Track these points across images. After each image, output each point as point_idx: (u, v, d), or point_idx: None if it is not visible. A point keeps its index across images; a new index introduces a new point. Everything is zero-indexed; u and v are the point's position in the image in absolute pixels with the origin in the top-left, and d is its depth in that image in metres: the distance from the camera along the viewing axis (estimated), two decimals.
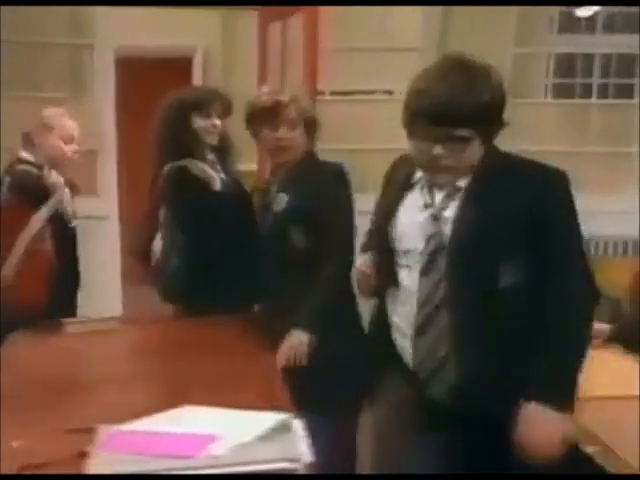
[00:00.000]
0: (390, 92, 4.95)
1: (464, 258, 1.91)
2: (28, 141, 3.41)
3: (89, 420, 1.70)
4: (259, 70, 4.75)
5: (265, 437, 1.57)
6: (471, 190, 1.94)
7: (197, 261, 2.88)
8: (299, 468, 1.47)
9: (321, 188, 2.76)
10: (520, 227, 1.89)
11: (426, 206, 1.98)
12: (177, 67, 6.86)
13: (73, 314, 3.38)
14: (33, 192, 3.30)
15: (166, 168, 2.94)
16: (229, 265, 2.78)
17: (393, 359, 2.09)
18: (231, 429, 1.61)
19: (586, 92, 5.27)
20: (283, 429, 1.61)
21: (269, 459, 1.47)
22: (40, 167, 3.37)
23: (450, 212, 1.95)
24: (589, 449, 1.91)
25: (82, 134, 3.62)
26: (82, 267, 3.95)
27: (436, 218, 1.96)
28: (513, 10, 5.01)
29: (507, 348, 1.93)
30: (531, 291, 1.91)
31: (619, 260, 4.86)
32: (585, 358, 1.90)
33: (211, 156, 3.05)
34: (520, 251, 1.90)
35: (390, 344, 2.11)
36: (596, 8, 4.98)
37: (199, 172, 2.95)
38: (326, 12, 4.61)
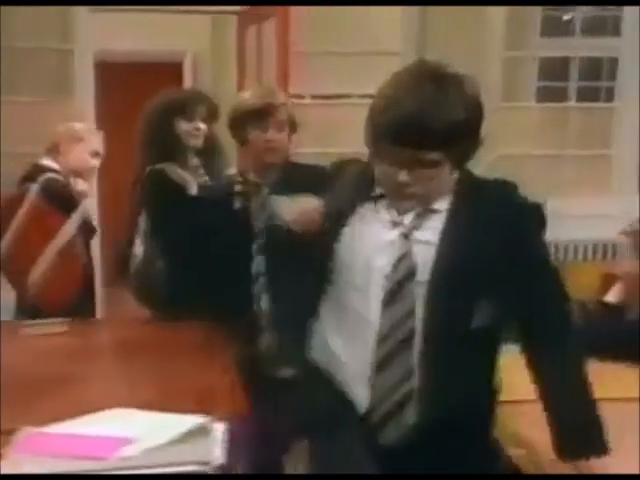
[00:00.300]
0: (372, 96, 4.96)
1: (449, 289, 1.69)
2: (54, 150, 3.51)
3: (37, 420, 1.72)
4: (238, 74, 4.79)
5: (181, 440, 1.60)
6: (455, 215, 1.74)
7: (177, 266, 2.90)
8: (208, 471, 1.50)
9: (314, 191, 2.75)
10: (502, 260, 1.72)
11: (395, 224, 1.75)
12: (167, 72, 6.89)
13: (93, 313, 3.46)
14: (62, 200, 3.37)
15: (146, 171, 2.97)
16: (212, 272, 2.77)
17: (336, 400, 1.79)
18: (151, 431, 1.64)
19: (565, 95, 5.28)
20: (201, 432, 1.64)
21: (178, 462, 1.50)
22: (65, 176, 3.47)
23: (424, 234, 1.73)
24: (514, 452, 1.92)
25: None
26: None
27: (406, 237, 1.74)
28: (495, 12, 5.01)
29: (481, 383, 1.82)
30: (512, 325, 1.82)
31: (598, 264, 4.86)
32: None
33: (195, 160, 3.06)
34: (501, 284, 1.74)
35: (327, 382, 1.81)
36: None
37: (176, 176, 2.97)
38: (306, 15, 4.66)
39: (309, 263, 1.86)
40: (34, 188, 3.30)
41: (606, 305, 2.72)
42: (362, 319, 1.75)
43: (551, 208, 5.00)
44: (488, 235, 1.71)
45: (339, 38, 4.93)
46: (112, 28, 6.00)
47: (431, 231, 1.73)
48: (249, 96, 2.86)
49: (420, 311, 1.71)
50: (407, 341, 1.71)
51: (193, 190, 2.97)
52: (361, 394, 1.76)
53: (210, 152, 3.09)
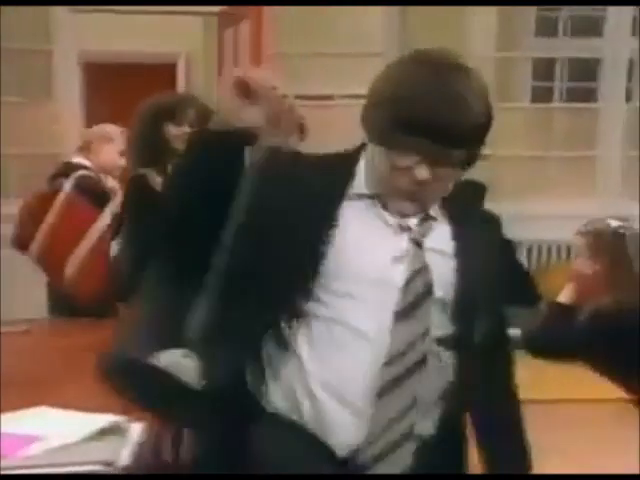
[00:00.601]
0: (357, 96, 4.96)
1: (471, 307, 1.53)
2: (86, 148, 3.64)
3: None
4: (218, 76, 4.81)
5: (91, 439, 1.61)
6: (458, 224, 1.56)
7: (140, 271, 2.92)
8: (112, 471, 1.51)
9: None
10: (498, 275, 1.60)
11: (402, 229, 1.51)
12: (161, 73, 6.92)
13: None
14: (95, 195, 3.46)
15: (129, 176, 3.01)
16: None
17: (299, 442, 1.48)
18: (63, 430, 1.64)
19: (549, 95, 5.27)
20: (114, 432, 1.65)
21: (81, 461, 1.51)
22: (96, 173, 3.58)
23: (436, 242, 1.52)
24: None
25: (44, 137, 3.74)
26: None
27: (419, 245, 1.50)
28: (481, 11, 5.00)
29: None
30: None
31: None
32: None
33: None
34: (496, 301, 1.62)
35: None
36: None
37: (153, 183, 2.97)
38: (287, 16, 4.67)
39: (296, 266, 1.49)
40: (68, 184, 3.38)
41: (559, 305, 2.70)
42: (361, 336, 1.47)
43: (535, 209, 5.01)
44: (486, 247, 1.59)
45: (321, 39, 4.95)
46: (105, 30, 6.05)
47: (441, 240, 1.53)
48: None
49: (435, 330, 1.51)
50: (419, 364, 1.48)
51: None
52: (350, 428, 1.46)
53: None
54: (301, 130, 2.96)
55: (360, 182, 1.51)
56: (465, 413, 1.66)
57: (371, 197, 1.50)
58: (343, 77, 4.90)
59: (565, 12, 5.09)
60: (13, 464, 1.49)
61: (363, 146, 1.53)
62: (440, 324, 1.50)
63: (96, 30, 5.70)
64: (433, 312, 1.49)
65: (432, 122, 1.37)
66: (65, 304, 3.31)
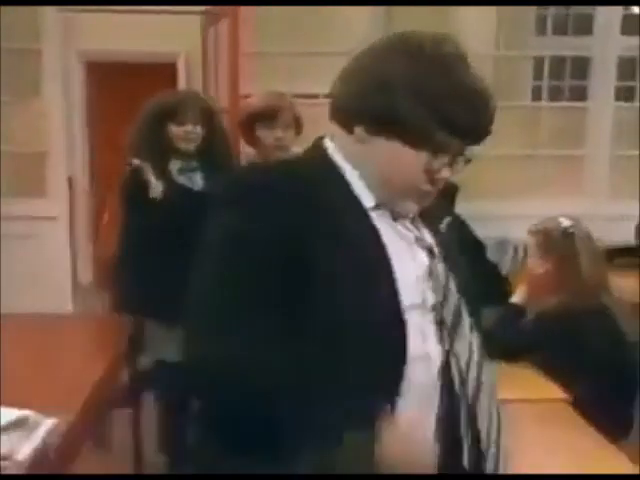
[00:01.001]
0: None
1: (478, 307, 1.43)
2: None
3: None
4: (202, 76, 4.84)
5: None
6: (431, 223, 1.41)
7: (137, 265, 2.96)
8: (9, 467, 1.52)
9: None
10: (473, 269, 1.47)
11: (417, 240, 1.34)
12: (161, 72, 6.94)
13: None
14: None
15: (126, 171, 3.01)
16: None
17: None
18: None
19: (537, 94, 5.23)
20: (22, 426, 1.66)
21: None
22: None
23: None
24: None
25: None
26: (32, 267, 4.14)
27: (432, 254, 1.34)
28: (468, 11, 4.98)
29: None
30: None
31: None
32: None
33: (188, 163, 3.04)
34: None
35: None
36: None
37: (148, 176, 2.97)
38: (272, 16, 4.70)
39: None
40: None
41: (511, 306, 2.68)
42: (425, 362, 1.27)
43: (521, 208, 4.99)
44: (460, 247, 1.47)
45: (309, 38, 4.96)
46: (104, 29, 6.09)
47: (431, 242, 1.38)
48: (258, 100, 3.06)
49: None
50: (480, 388, 1.31)
51: (155, 194, 2.92)
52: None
53: (208, 154, 3.04)
54: (297, 125, 3.04)
55: (362, 191, 1.31)
56: None
57: (378, 207, 1.31)
58: (330, 76, 4.89)
59: (553, 10, 5.04)
60: None
61: (320, 148, 1.35)
62: None
63: (96, 30, 5.75)
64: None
65: (476, 122, 1.26)
66: None
